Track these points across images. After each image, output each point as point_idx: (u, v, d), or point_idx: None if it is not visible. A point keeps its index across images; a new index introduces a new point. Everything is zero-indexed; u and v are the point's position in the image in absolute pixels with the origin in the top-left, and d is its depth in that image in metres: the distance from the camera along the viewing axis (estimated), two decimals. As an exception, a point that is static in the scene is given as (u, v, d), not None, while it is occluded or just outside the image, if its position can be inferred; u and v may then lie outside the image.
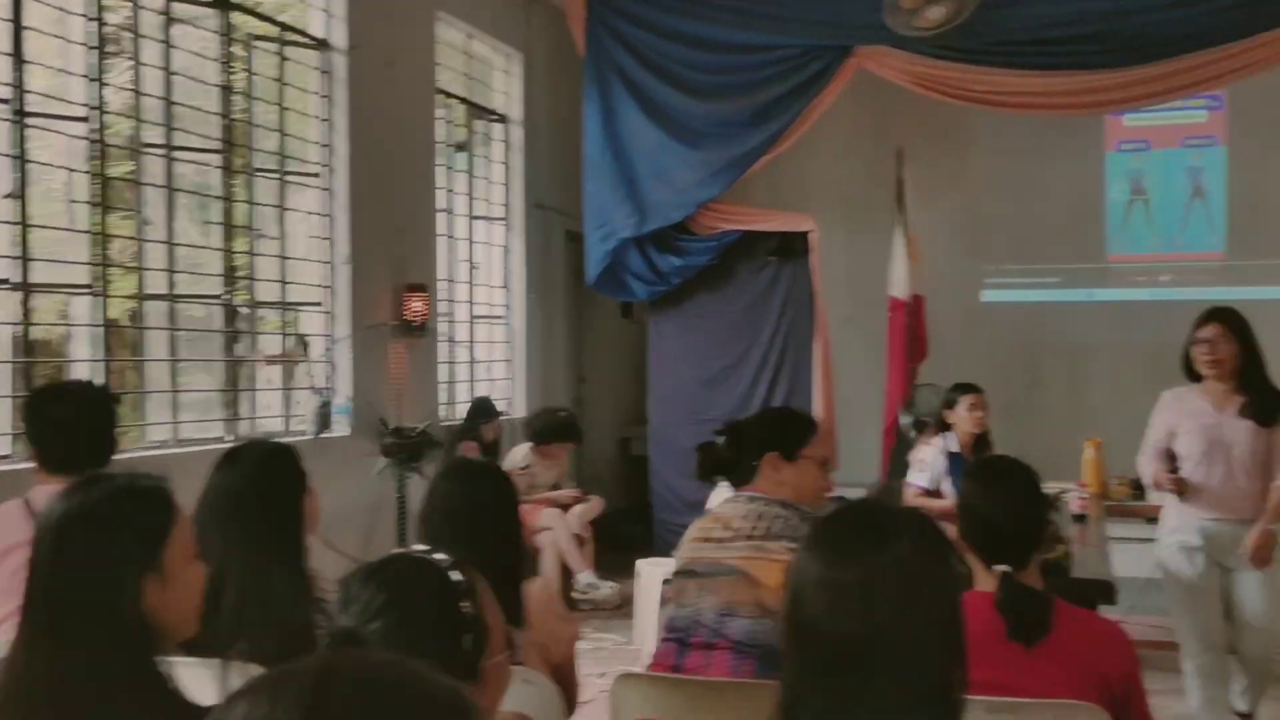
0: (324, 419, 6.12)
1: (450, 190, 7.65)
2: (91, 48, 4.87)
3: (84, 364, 4.90)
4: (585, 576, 6.92)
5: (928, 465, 5.53)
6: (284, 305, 6.18)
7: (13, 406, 4.46)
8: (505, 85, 8.38)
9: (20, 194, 4.47)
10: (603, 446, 9.26)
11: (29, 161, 4.54)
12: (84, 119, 4.81)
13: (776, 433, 3.13)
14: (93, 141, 4.84)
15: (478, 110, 8.07)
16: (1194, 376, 4.42)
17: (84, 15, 4.87)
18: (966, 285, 9.13)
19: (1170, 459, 4.39)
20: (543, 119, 8.55)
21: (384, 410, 6.37)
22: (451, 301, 7.60)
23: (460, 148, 7.87)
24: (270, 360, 6.06)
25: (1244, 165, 8.64)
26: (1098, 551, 4.58)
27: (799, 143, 7.66)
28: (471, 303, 7.94)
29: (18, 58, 4.49)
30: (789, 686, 1.53)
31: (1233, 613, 4.43)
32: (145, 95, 5.18)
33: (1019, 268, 9.23)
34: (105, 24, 4.95)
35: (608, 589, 6.89)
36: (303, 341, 6.23)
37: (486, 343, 8.19)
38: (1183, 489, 4.35)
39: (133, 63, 5.17)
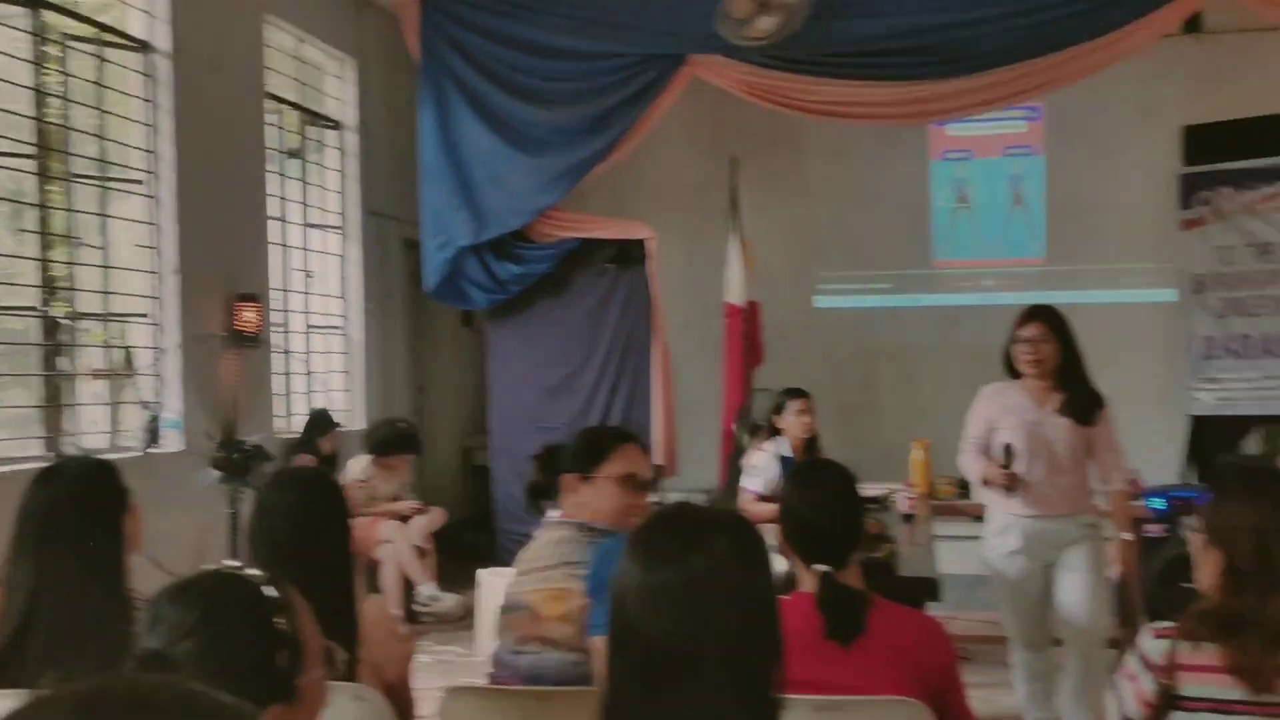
0: (152, 434, 5.92)
1: (283, 198, 7.48)
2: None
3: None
4: (427, 589, 6.84)
5: (761, 470, 5.61)
6: (108, 317, 5.96)
7: None
8: (339, 91, 8.24)
9: None
10: (444, 457, 9.18)
11: None
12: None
13: (572, 453, 3.07)
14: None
15: (310, 116, 7.92)
16: (1015, 374, 4.47)
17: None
18: (800, 291, 9.33)
19: (1007, 454, 4.36)
20: (378, 125, 8.45)
21: (215, 424, 6.20)
22: (286, 311, 7.43)
23: (293, 154, 7.71)
24: (95, 374, 5.85)
25: (1062, 173, 9.03)
26: (924, 550, 4.70)
27: (637, 150, 7.73)
28: (307, 313, 7.78)
29: None
30: (612, 691, 1.55)
31: (1056, 610, 4.51)
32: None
33: (851, 274, 9.48)
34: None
35: (450, 601, 6.83)
36: (129, 354, 6.03)
37: (324, 353, 8.03)
38: (1014, 485, 4.35)
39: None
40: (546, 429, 6.90)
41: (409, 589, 6.81)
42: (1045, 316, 4.47)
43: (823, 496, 2.57)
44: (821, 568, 2.46)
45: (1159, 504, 5.96)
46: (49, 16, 5.52)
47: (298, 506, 2.48)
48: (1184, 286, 8.37)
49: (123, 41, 6.02)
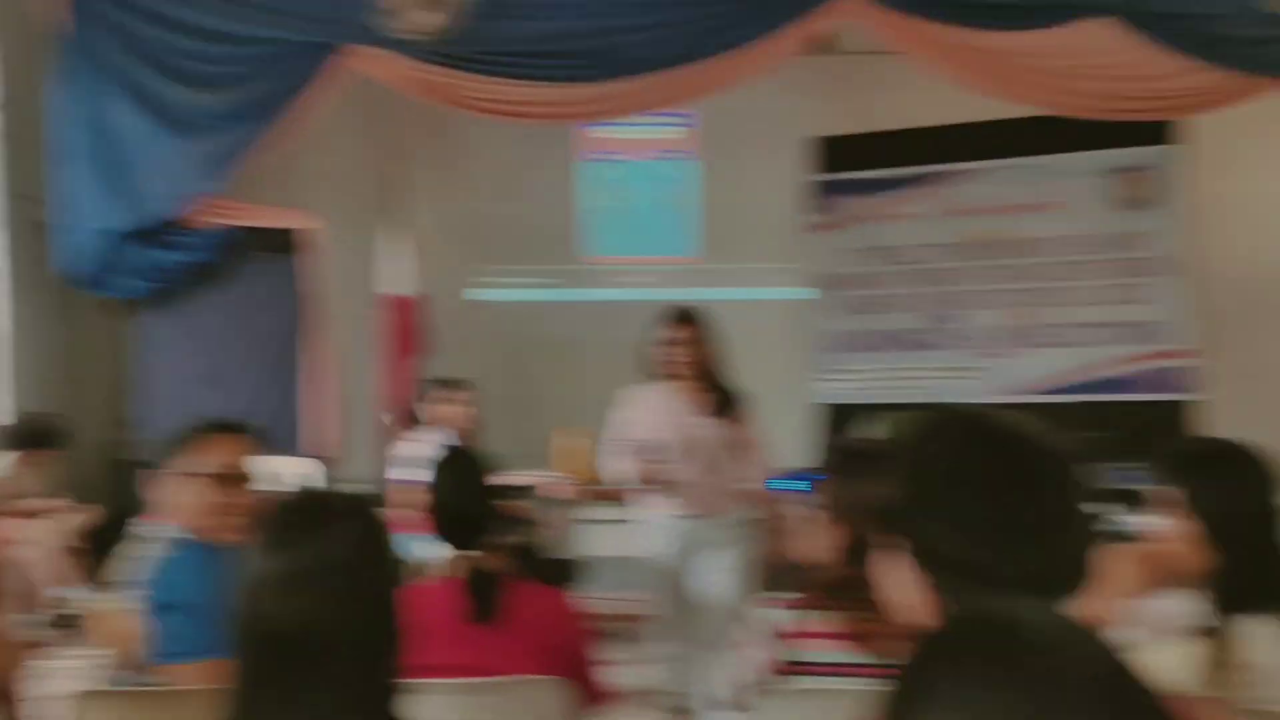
0: None
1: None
2: None
3: None
4: (73, 591, 6.53)
5: (409, 460, 5.66)
6: None
7: None
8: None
9: None
10: (92, 452, 8.73)
11: None
12: None
13: (158, 447, 2.93)
14: None
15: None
16: (660, 374, 4.61)
17: None
18: (462, 283, 9.45)
19: (653, 455, 4.47)
20: (23, 104, 7.92)
21: None
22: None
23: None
24: None
25: (716, 177, 9.55)
26: (569, 534, 4.90)
27: (302, 139, 7.61)
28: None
29: None
30: (234, 682, 1.56)
31: (697, 597, 4.73)
32: None
33: (511, 268, 9.69)
34: None
35: (100, 602, 6.54)
36: None
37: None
38: (664, 484, 4.48)
39: None
40: (204, 423, 6.72)
41: (53, 590, 6.47)
42: (690, 317, 4.63)
43: (459, 482, 2.72)
44: (462, 551, 2.60)
45: (802, 487, 6.42)
46: None
47: None
48: (819, 285, 9.09)
49: None
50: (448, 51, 7.17)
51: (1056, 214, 8.73)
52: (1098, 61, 6.79)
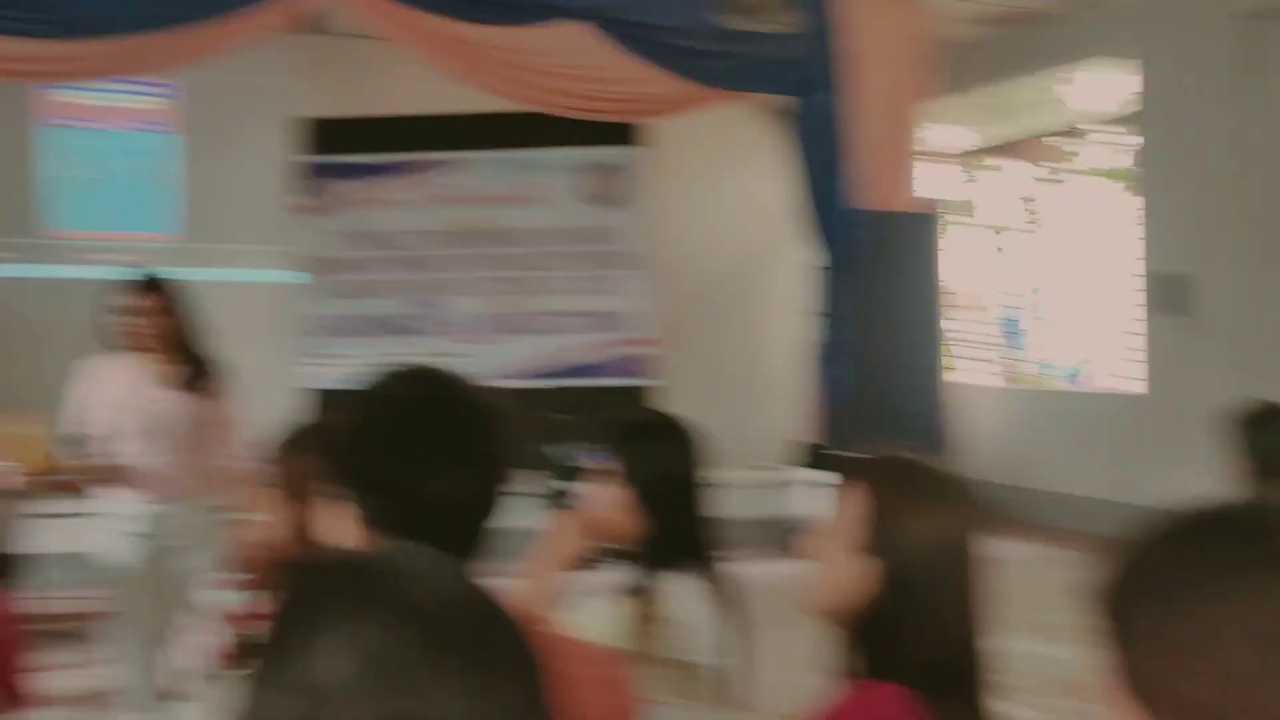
0: None
1: None
2: None
3: None
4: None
5: None
6: None
7: None
8: None
9: None
10: None
11: None
12: None
13: None
14: None
15: None
16: (123, 346, 4.23)
17: None
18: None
19: (102, 441, 4.16)
20: None
21: None
22: None
23: None
24: None
25: (199, 154, 9.12)
26: (16, 528, 4.49)
27: None
28: None
29: None
30: None
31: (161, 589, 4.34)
32: None
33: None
34: None
35: None
36: None
37: None
38: (118, 476, 4.16)
39: None
40: None
41: None
42: (159, 287, 4.28)
43: None
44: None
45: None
46: None
47: None
48: (307, 269, 8.96)
49: None
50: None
51: (535, 207, 9.15)
52: (573, 62, 7.18)
